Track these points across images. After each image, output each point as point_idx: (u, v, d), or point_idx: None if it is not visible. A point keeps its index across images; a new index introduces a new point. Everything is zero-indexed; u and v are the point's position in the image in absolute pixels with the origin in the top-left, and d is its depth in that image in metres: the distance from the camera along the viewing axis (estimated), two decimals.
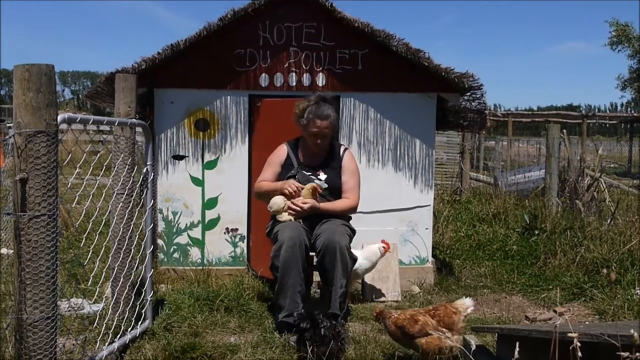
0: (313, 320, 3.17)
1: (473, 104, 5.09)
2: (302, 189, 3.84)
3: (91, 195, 3.04)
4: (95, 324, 3.19)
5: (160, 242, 4.83)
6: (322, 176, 3.96)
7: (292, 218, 3.81)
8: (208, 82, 4.75)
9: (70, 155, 2.87)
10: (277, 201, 3.84)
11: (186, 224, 4.87)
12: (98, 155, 3.23)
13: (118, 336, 3.22)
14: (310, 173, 3.97)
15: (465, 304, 3.19)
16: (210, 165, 4.85)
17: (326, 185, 3.94)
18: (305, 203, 3.78)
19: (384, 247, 4.52)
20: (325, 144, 3.96)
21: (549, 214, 6.47)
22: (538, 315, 4.23)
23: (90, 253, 3.41)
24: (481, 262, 5.73)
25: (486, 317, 4.22)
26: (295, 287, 3.60)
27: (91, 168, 3.05)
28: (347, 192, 3.98)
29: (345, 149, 4.16)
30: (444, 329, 3.08)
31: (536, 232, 6.19)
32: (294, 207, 3.79)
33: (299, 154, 4.05)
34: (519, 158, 16.63)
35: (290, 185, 3.84)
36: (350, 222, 4.01)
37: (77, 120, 2.70)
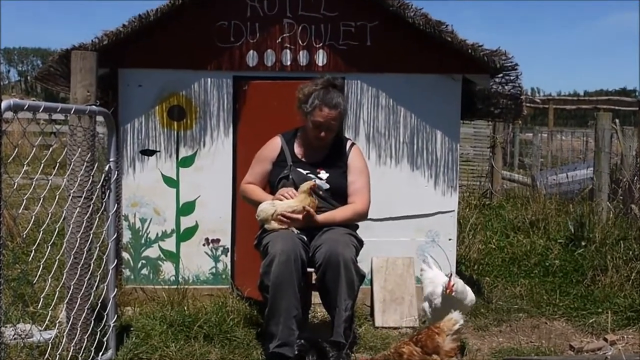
0: (319, 350, 3.16)
1: (506, 87, 5.10)
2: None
3: (42, 199, 3.04)
4: (46, 355, 3.19)
5: (125, 255, 4.83)
6: (324, 175, 3.96)
7: (284, 226, 3.80)
8: (184, 61, 4.75)
9: (16, 149, 2.88)
10: (266, 207, 3.83)
11: (157, 234, 4.87)
12: (50, 149, 3.22)
13: None
14: (308, 171, 3.96)
15: (453, 319, 3.22)
16: (187, 162, 4.85)
17: (328, 186, 3.93)
18: (299, 213, 3.76)
19: (444, 285, 3.86)
20: (329, 138, 3.96)
21: (598, 222, 6.47)
22: (585, 345, 4.24)
23: (40, 269, 3.41)
24: (516, 280, 5.74)
25: (522, 347, 4.23)
26: (290, 311, 3.60)
27: (42, 165, 3.06)
28: (354, 195, 3.98)
29: (353, 143, 4.16)
30: (431, 356, 3.13)
31: (583, 243, 6.18)
32: (284, 218, 3.78)
33: (296, 148, 4.04)
34: (562, 153, 16.62)
35: (285, 195, 3.83)
36: (357, 231, 4.02)
37: (25, 108, 2.70)
